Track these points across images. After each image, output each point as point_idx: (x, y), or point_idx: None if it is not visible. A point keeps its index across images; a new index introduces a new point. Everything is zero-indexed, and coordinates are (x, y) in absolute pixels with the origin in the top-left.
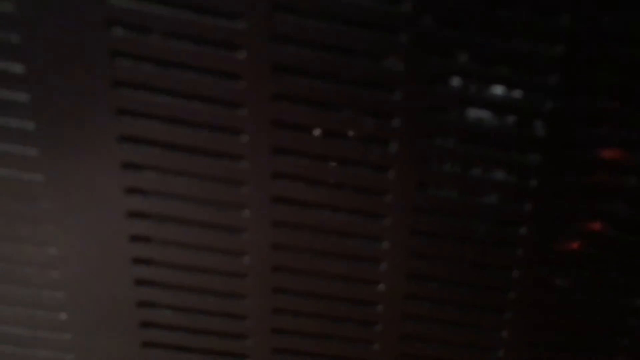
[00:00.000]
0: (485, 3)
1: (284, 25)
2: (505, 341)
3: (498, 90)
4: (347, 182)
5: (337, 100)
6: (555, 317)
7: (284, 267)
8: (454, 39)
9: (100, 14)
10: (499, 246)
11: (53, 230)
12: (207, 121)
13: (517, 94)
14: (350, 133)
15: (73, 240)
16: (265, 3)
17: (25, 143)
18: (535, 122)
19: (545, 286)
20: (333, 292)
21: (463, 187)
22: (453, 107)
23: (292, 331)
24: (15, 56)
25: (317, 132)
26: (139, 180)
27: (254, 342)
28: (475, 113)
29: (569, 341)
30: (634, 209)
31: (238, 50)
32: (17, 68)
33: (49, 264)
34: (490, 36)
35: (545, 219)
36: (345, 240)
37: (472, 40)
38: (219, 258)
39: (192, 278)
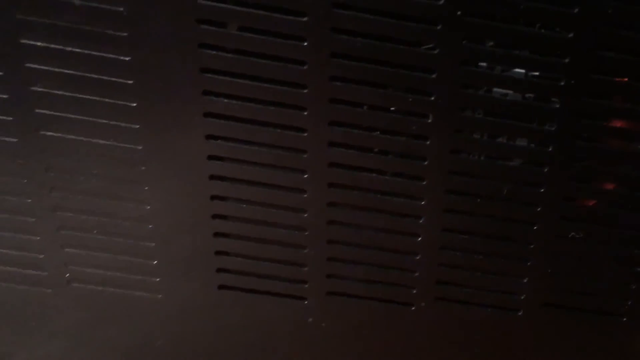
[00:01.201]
0: None
1: (340, 19)
2: (527, 286)
3: (519, 70)
4: (392, 149)
5: (384, 80)
6: (571, 265)
7: (337, 221)
8: (480, 27)
9: (191, 12)
10: (521, 204)
11: (148, 190)
12: (276, 99)
13: (535, 73)
14: (394, 108)
15: (164, 198)
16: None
17: (129, 120)
18: (551, 97)
19: (562, 238)
20: (379, 243)
21: (490, 152)
22: (481, 84)
23: (344, 276)
24: (123, 48)
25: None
26: (219, 148)
27: (311, 286)
28: (500, 90)
29: (583, 286)
30: None
31: (303, 40)
32: (125, 58)
33: (143, 219)
34: (511, 24)
35: (561, 180)
36: (390, 199)
37: (496, 28)
38: (284, 214)
39: (260, 231)
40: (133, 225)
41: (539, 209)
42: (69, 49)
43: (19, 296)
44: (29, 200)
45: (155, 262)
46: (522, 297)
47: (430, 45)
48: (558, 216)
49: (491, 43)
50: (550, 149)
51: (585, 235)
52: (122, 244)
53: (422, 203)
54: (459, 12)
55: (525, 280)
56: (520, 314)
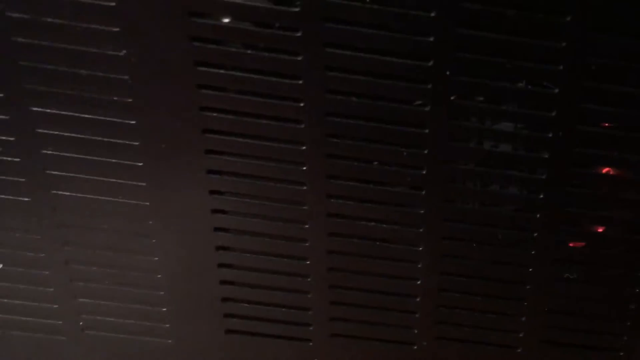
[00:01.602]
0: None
1: (333, 81)
2: (525, 324)
3: (508, 125)
4: (389, 200)
5: (379, 136)
6: (565, 304)
7: (338, 268)
8: (469, 85)
9: (192, 79)
10: (516, 247)
11: (156, 243)
12: (277, 157)
13: (524, 126)
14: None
15: (171, 250)
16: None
17: (136, 178)
18: (540, 147)
19: (557, 279)
20: (380, 287)
21: (483, 200)
22: (472, 137)
23: (347, 319)
24: (129, 113)
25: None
26: (222, 202)
27: (315, 328)
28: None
29: (578, 324)
30: (630, 214)
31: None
32: (130, 122)
33: (152, 269)
34: (498, 81)
35: (553, 225)
36: (389, 246)
37: (484, 85)
38: (286, 261)
39: (265, 278)
40: (142, 276)
41: (533, 252)
42: (78, 114)
43: (35, 344)
44: (43, 255)
45: (165, 309)
46: (521, 335)
47: (422, 102)
48: (551, 259)
49: (480, 98)
50: (541, 196)
51: (578, 275)
52: (132, 293)
53: (420, 249)
54: (447, 72)
55: (523, 319)
56: (519, 350)
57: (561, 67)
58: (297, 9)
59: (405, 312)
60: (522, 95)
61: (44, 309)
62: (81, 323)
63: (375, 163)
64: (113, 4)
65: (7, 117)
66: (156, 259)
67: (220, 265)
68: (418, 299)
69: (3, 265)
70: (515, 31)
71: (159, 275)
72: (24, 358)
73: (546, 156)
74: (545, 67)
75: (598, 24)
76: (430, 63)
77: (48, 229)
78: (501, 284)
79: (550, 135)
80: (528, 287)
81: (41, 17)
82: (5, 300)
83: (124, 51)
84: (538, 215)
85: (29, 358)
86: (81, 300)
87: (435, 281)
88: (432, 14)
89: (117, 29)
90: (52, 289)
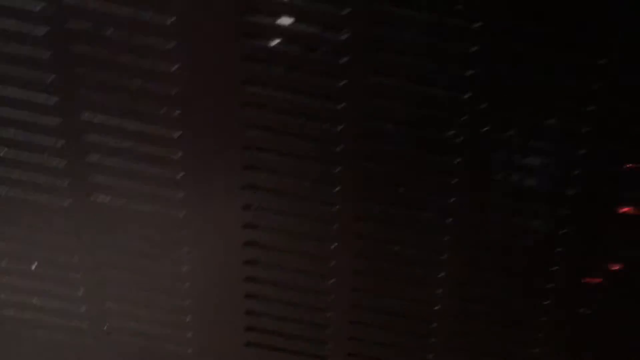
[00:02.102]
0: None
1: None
2: (539, 353)
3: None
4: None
5: (410, 164)
6: (580, 338)
7: (360, 288)
8: (501, 119)
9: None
10: (534, 280)
11: (187, 253)
12: (308, 177)
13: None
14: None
15: (201, 260)
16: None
17: (174, 189)
18: (566, 184)
19: (571, 313)
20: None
21: (506, 233)
22: (500, 169)
23: (364, 339)
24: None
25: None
26: (254, 218)
27: (332, 347)
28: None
29: (598, 356)
30: None
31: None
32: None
33: (181, 278)
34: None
35: (573, 260)
36: (410, 271)
37: (515, 120)
38: (310, 279)
39: (288, 294)
40: (170, 284)
41: (552, 285)
42: (125, 125)
43: (59, 345)
44: (76, 258)
45: (189, 318)
46: None
47: (456, 133)
48: (569, 293)
49: (511, 132)
50: (564, 231)
51: (592, 310)
52: (159, 300)
53: (442, 275)
54: (482, 106)
55: (537, 350)
56: None
57: (593, 108)
58: (345, 36)
59: (423, 336)
60: (553, 132)
61: (72, 311)
62: (106, 327)
63: (406, 189)
64: (169, 22)
65: (56, 123)
66: (186, 268)
67: (247, 279)
68: (435, 325)
69: (35, 266)
70: (549, 71)
71: (187, 285)
72: (48, 358)
73: (572, 193)
74: (578, 107)
75: (630, 68)
76: (468, 96)
77: (84, 234)
78: (519, 313)
79: (578, 173)
80: (544, 319)
81: (100, 29)
82: (35, 300)
83: (175, 67)
84: (559, 250)
85: (52, 358)
86: (109, 304)
87: (454, 307)
88: (474, 49)
89: (171, 46)
90: (81, 292)
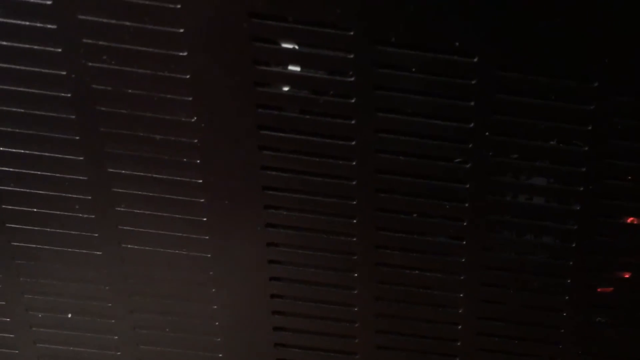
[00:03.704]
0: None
1: (384, 142)
2: None
3: (541, 179)
4: (432, 250)
5: (423, 190)
6: (597, 347)
7: (385, 313)
8: (505, 144)
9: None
10: (550, 293)
11: (215, 292)
12: (328, 210)
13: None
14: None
15: (229, 298)
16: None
17: (200, 232)
18: (572, 200)
19: (588, 322)
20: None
21: (520, 249)
22: (508, 192)
23: (395, 348)
24: (195, 174)
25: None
26: (278, 254)
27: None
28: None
29: None
30: None
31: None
32: (197, 180)
33: (210, 317)
34: (532, 140)
35: (585, 272)
36: (431, 292)
37: (519, 144)
38: (336, 309)
39: (315, 324)
40: (200, 323)
41: (566, 298)
42: (151, 174)
43: None
44: (109, 305)
45: (220, 355)
46: None
47: (463, 160)
48: (584, 304)
49: (515, 156)
50: (573, 245)
51: (609, 319)
52: (190, 340)
53: (461, 295)
54: (487, 133)
55: None
56: None
57: (590, 128)
58: (351, 79)
59: (447, 355)
60: (554, 152)
61: (108, 356)
62: None
63: (420, 216)
64: (187, 76)
65: (85, 178)
66: (215, 307)
67: (274, 312)
68: (459, 343)
69: (71, 315)
70: (548, 96)
71: (217, 323)
72: None
73: (577, 208)
74: (576, 127)
75: (623, 89)
76: (471, 125)
77: (116, 280)
78: (537, 328)
79: (581, 189)
80: (562, 331)
81: (122, 88)
82: (71, 348)
83: (195, 118)
84: (571, 263)
85: None
86: (143, 347)
87: (475, 326)
88: (473, 82)
89: (190, 98)
90: (116, 337)
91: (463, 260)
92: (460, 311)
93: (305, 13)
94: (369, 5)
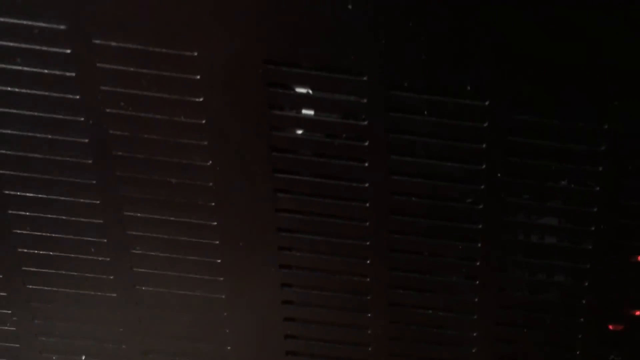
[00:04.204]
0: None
1: (397, 184)
2: None
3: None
4: (444, 289)
5: (438, 232)
6: None
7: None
8: (517, 185)
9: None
10: (563, 331)
11: (229, 333)
12: (343, 253)
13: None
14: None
15: (243, 339)
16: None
17: (214, 273)
18: (584, 240)
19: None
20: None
21: (533, 288)
22: (520, 232)
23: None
24: (210, 215)
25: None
26: (292, 295)
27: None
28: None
29: None
30: None
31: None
32: (212, 223)
33: (225, 358)
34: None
35: (597, 310)
36: (444, 332)
37: (531, 185)
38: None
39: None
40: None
41: (579, 336)
42: (166, 217)
43: None
44: (124, 347)
45: None
46: None
47: (474, 201)
48: (597, 342)
49: (527, 196)
50: (586, 284)
51: (622, 357)
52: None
53: (475, 335)
54: (498, 174)
55: None
56: None
57: (600, 169)
58: (364, 123)
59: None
60: (566, 193)
61: None
62: None
63: (433, 256)
64: (203, 121)
65: (101, 221)
66: (228, 348)
67: (288, 353)
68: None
69: (85, 357)
70: (558, 138)
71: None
72: None
73: (589, 247)
74: (587, 168)
75: (633, 131)
76: (483, 167)
77: (130, 322)
78: None
79: (593, 228)
80: None
81: (139, 133)
82: None
83: (210, 161)
84: (583, 302)
85: None
86: None
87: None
88: (485, 124)
89: (205, 143)
90: None
91: (476, 299)
92: (473, 350)
93: (319, 59)
94: (382, 52)
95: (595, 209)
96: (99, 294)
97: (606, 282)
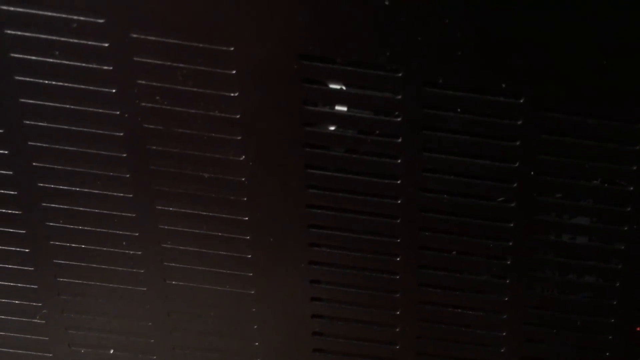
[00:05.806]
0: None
1: (429, 181)
2: None
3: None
4: (474, 288)
5: (468, 230)
6: None
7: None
8: (550, 183)
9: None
10: (593, 332)
11: (257, 329)
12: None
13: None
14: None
15: (271, 336)
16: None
17: (244, 269)
18: (616, 239)
19: None
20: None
21: (563, 288)
22: (551, 231)
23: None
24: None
25: None
26: (321, 291)
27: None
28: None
29: None
30: None
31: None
32: (244, 218)
33: (252, 354)
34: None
35: (628, 312)
36: (473, 332)
37: (563, 184)
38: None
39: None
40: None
41: (610, 337)
42: (198, 212)
43: None
44: (153, 341)
45: None
46: None
47: (506, 199)
48: (627, 343)
49: (559, 195)
50: (617, 284)
51: None
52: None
53: (504, 334)
54: (532, 173)
55: None
56: None
57: (634, 168)
58: (398, 119)
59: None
60: (598, 192)
61: None
62: None
63: (463, 254)
64: (237, 116)
65: (134, 215)
66: (257, 344)
67: (315, 350)
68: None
69: (114, 351)
70: (592, 136)
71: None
72: None
73: (622, 248)
74: (620, 167)
75: None
76: (516, 165)
77: (159, 317)
78: None
79: (625, 228)
80: None
81: (173, 127)
82: None
83: (243, 156)
84: (615, 302)
85: None
86: None
87: None
88: (519, 122)
89: (239, 138)
90: None
91: (506, 299)
92: (502, 350)
93: (354, 55)
94: (418, 48)
95: (628, 209)
96: (129, 287)
97: (638, 283)
